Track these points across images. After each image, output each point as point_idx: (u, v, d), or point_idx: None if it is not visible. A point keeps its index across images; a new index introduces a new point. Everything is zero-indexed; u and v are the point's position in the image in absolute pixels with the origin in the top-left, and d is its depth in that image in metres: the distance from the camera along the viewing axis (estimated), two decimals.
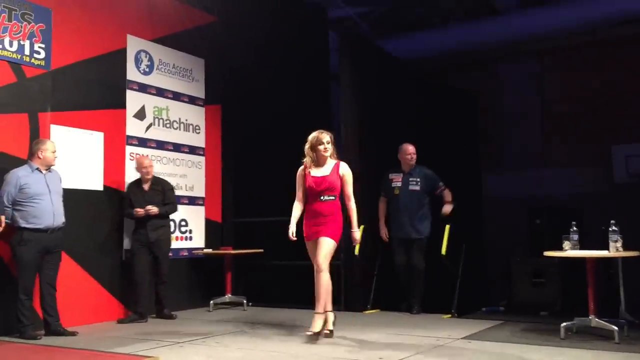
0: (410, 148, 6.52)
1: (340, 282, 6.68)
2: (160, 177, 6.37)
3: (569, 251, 4.80)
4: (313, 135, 4.92)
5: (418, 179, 6.47)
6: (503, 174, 10.15)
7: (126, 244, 6.20)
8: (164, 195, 6.15)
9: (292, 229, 4.88)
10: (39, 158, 5.08)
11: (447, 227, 6.31)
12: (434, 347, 4.46)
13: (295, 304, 6.72)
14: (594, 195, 9.00)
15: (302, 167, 4.95)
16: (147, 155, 6.36)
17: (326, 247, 4.81)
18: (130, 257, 6.08)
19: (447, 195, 6.50)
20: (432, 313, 6.17)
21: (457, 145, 9.05)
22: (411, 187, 6.46)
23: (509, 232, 9.03)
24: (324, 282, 4.84)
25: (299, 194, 4.96)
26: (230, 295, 6.82)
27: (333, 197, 4.85)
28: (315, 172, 4.88)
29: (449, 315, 6.02)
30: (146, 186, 6.11)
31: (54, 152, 5.14)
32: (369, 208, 6.96)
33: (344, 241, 6.68)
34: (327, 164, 4.90)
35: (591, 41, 9.38)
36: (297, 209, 4.95)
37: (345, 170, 4.93)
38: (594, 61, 9.62)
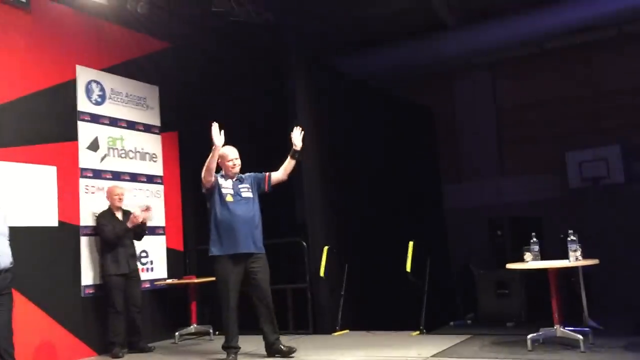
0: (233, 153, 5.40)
1: (307, 305, 6.64)
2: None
3: (531, 263, 4.86)
4: None
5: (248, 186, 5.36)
6: (462, 185, 10.29)
7: (86, 279, 6.03)
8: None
9: None
10: None
11: (411, 243, 6.34)
12: None
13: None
14: (552, 202, 9.20)
15: None
16: (119, 185, 6.32)
17: None
18: (108, 289, 5.94)
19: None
20: (401, 330, 6.16)
21: (416, 159, 9.15)
22: (245, 194, 5.30)
23: (471, 243, 9.12)
24: None
25: None
26: (195, 325, 6.67)
27: None
28: None
29: (418, 332, 6.02)
30: (119, 215, 6.12)
31: None
32: (333, 229, 6.97)
33: (310, 263, 6.67)
34: None
35: (540, 52, 9.64)
36: None
37: None
38: (544, 70, 9.89)
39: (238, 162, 5.36)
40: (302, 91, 7.06)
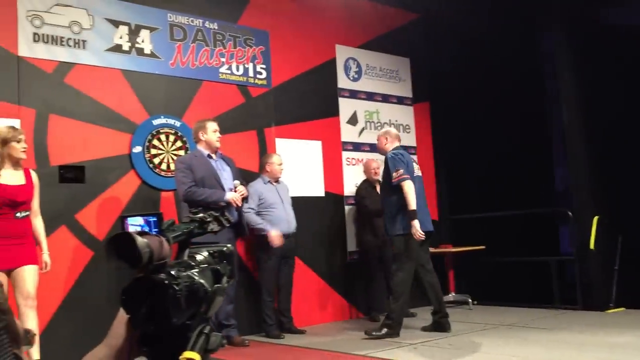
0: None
1: (575, 279, 6.21)
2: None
3: None
4: (5, 129, 3.91)
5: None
6: None
7: (350, 245, 6.44)
8: None
9: None
10: (267, 171, 5.51)
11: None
12: None
13: (523, 302, 6.40)
14: None
15: None
16: (375, 159, 6.53)
17: (36, 277, 3.91)
18: (365, 256, 6.24)
19: None
20: None
21: None
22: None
23: None
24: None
25: None
26: (454, 294, 6.70)
27: (28, 213, 3.95)
28: (6, 179, 3.86)
29: None
30: (378, 188, 6.22)
31: (280, 164, 5.54)
32: (602, 197, 6.39)
33: (577, 234, 6.22)
34: (19, 170, 3.95)
35: None
36: None
37: (36, 180, 4.05)
38: None
39: None
40: (562, 50, 6.53)
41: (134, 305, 0.94)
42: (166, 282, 0.93)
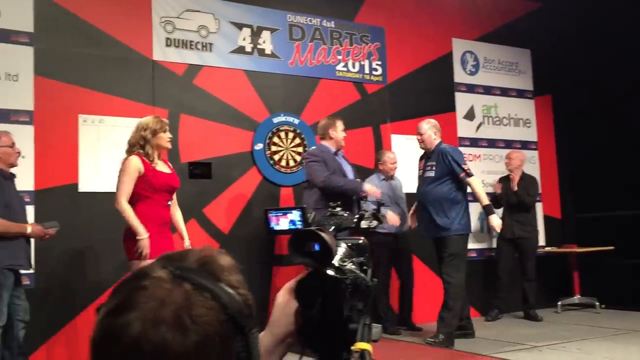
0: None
1: None
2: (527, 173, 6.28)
3: None
4: (153, 120, 3.83)
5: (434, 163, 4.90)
6: None
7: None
8: (527, 190, 6.07)
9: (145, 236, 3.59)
10: (381, 169, 5.52)
11: None
12: None
13: None
14: None
15: (136, 158, 3.71)
16: (521, 151, 6.36)
17: None
18: (496, 253, 6.16)
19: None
20: None
21: None
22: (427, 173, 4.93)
23: None
24: None
25: (129, 192, 3.69)
26: (579, 296, 6.36)
27: (171, 202, 3.94)
28: (160, 167, 3.83)
29: None
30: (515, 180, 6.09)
31: (393, 163, 5.52)
32: None
33: None
34: (161, 160, 3.91)
35: None
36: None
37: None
38: None
39: None
40: None
41: (306, 298, 0.98)
42: (338, 276, 0.97)
